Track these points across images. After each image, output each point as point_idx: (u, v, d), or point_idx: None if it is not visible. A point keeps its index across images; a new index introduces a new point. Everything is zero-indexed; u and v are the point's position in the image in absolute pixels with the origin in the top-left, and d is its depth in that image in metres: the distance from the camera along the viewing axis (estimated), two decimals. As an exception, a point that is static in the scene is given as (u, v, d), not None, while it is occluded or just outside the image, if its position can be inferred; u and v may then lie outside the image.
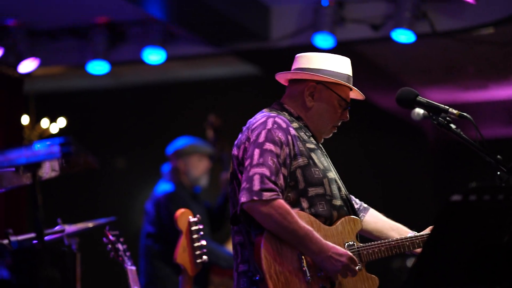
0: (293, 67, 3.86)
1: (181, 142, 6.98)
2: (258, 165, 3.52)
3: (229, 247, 7.25)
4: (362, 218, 3.91)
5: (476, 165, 4.65)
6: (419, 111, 3.71)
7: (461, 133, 3.61)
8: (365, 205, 4.01)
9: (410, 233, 3.87)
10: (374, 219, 3.95)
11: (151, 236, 6.68)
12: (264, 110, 3.81)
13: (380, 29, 7.25)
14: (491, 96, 10.15)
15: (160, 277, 6.65)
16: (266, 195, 3.48)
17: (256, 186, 3.49)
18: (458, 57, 8.61)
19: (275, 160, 3.54)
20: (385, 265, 8.41)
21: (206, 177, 6.96)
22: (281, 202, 3.51)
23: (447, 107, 3.64)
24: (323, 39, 7.18)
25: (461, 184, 2.80)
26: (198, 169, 6.90)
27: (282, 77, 3.88)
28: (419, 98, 3.68)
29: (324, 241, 3.54)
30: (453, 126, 3.62)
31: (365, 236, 3.87)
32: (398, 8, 7.03)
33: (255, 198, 3.48)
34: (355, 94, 3.87)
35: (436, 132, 10.35)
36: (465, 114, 3.62)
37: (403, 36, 7.07)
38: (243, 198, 3.50)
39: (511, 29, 7.37)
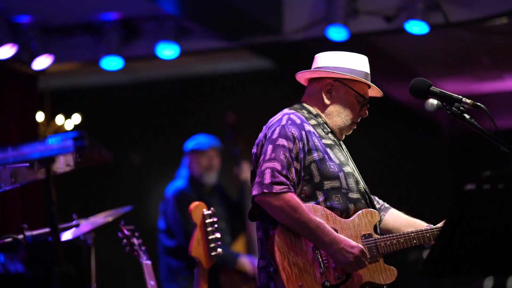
0: (312, 67, 3.92)
1: (196, 140, 7.08)
2: (270, 159, 3.59)
3: (240, 246, 7.29)
4: (382, 217, 3.93)
5: (491, 155, 4.63)
6: (433, 101, 3.69)
7: (475, 122, 3.59)
8: (387, 205, 4.03)
9: (426, 226, 3.86)
10: (393, 217, 3.97)
11: (162, 232, 6.82)
12: (285, 109, 3.86)
13: (394, 20, 7.21)
14: (506, 87, 10.08)
15: (171, 272, 6.75)
16: (277, 188, 3.54)
17: (267, 179, 3.55)
18: (472, 48, 8.56)
19: (287, 154, 3.60)
20: (401, 257, 8.40)
21: (216, 174, 7.04)
22: (292, 195, 3.56)
23: (461, 97, 3.63)
24: (336, 32, 7.16)
25: (476, 174, 2.78)
26: (211, 166, 6.99)
27: (301, 77, 3.95)
28: (432, 88, 3.67)
29: (336, 233, 3.57)
30: (467, 116, 3.60)
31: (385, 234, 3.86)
32: (411, -1, 7.00)
33: (265, 190, 3.54)
34: (374, 91, 3.91)
35: (451, 123, 10.30)
36: (478, 103, 3.59)
37: (417, 27, 7.04)
38: (254, 191, 3.59)
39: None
